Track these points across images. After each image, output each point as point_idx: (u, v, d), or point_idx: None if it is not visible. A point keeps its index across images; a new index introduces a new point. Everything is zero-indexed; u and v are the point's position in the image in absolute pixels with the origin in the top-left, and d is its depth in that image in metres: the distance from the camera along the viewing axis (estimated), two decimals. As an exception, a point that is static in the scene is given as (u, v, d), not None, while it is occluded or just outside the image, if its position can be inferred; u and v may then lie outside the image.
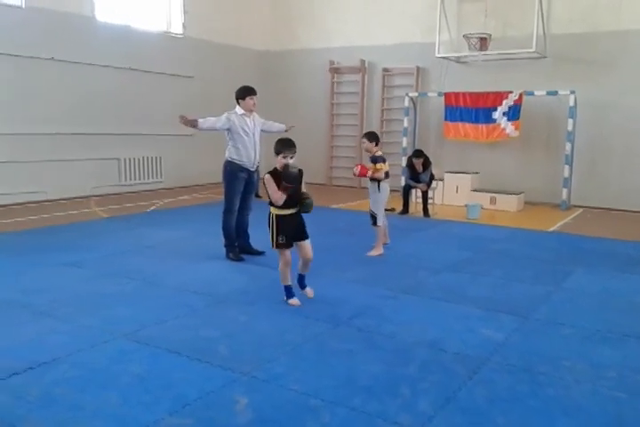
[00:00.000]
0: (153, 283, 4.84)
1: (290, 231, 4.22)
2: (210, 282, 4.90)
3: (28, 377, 3.02)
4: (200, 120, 5.59)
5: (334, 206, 9.53)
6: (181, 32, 11.23)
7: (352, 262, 5.70)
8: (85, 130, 9.48)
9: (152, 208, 8.87)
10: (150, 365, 3.22)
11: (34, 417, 2.63)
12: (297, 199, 4.21)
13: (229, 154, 5.63)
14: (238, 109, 5.64)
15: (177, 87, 11.05)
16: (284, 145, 4.19)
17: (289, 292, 4.36)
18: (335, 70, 12.22)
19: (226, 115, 5.62)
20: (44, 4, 8.75)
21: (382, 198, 6.08)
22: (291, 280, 4.38)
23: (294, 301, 4.31)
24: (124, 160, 10.23)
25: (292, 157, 4.16)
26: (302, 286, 4.53)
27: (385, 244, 6.31)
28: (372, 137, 6.04)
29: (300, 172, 4.20)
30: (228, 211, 5.72)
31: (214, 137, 11.25)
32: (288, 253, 4.31)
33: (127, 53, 10.04)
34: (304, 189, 4.31)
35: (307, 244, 4.33)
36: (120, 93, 9.98)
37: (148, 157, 10.64)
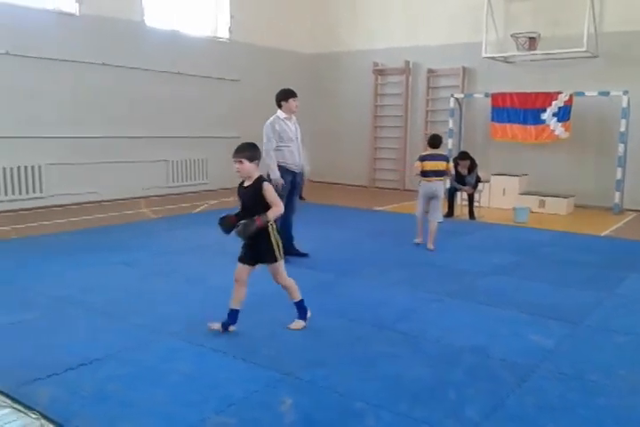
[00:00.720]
0: (200, 282, 4.93)
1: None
2: (254, 283, 4.92)
3: (81, 373, 3.12)
4: (266, 161, 5.32)
5: (377, 208, 9.48)
6: (228, 36, 11.41)
7: (395, 265, 5.66)
8: (136, 133, 9.74)
9: (199, 209, 9.04)
10: (197, 364, 3.28)
11: (87, 412, 2.71)
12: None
13: (276, 157, 5.60)
14: (280, 113, 5.65)
15: (223, 91, 11.23)
16: (234, 150, 3.72)
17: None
18: (379, 72, 12.18)
19: (269, 127, 5.54)
20: (97, 11, 9.05)
21: (419, 194, 6.57)
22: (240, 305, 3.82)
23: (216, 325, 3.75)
24: (172, 162, 10.46)
25: (239, 162, 3.64)
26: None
27: (418, 243, 6.46)
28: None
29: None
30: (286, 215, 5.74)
31: (259, 140, 11.42)
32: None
33: (175, 58, 10.27)
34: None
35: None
36: (168, 97, 10.21)
37: (194, 160, 10.85)
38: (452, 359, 3.40)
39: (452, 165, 6.75)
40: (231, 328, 3.76)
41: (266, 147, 5.47)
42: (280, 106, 5.66)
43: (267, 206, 3.63)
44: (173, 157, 10.46)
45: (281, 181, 5.50)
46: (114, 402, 2.82)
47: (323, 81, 12.94)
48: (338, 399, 2.88)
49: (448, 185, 8.27)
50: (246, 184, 3.71)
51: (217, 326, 3.73)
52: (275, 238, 3.70)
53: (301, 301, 3.90)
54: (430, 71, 11.56)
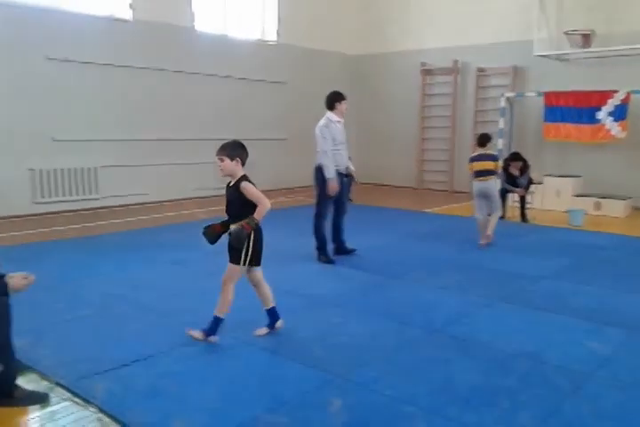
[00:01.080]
0: (247, 282, 4.97)
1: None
2: (302, 283, 4.98)
3: (135, 369, 3.21)
4: (323, 161, 5.50)
5: (426, 210, 9.37)
6: (275, 39, 11.53)
7: (445, 267, 5.58)
8: (186, 135, 9.95)
9: (246, 210, 9.13)
10: (247, 362, 3.32)
11: (141, 407, 2.78)
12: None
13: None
14: (332, 116, 5.64)
15: (270, 93, 11.35)
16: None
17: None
18: (427, 72, 12.05)
19: (324, 129, 5.53)
20: (150, 17, 9.29)
21: (473, 194, 6.70)
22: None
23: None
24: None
25: (220, 160, 3.52)
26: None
27: (482, 244, 6.47)
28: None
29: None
30: (320, 215, 5.78)
31: (306, 142, 11.52)
32: None
33: (223, 62, 10.43)
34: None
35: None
36: (217, 100, 10.39)
37: (242, 161, 10.98)
38: (504, 365, 3.33)
39: (500, 164, 6.83)
40: (279, 324, 3.79)
41: (323, 148, 5.49)
42: (333, 108, 5.64)
43: (249, 205, 3.48)
44: (222, 159, 10.61)
45: (335, 183, 5.52)
46: (166, 398, 2.88)
47: (369, 82, 12.90)
48: (388, 402, 2.86)
49: (499, 186, 8.08)
50: (231, 183, 3.59)
51: (197, 334, 3.57)
52: (247, 243, 3.51)
53: (219, 320, 3.58)
54: (480, 70, 11.35)
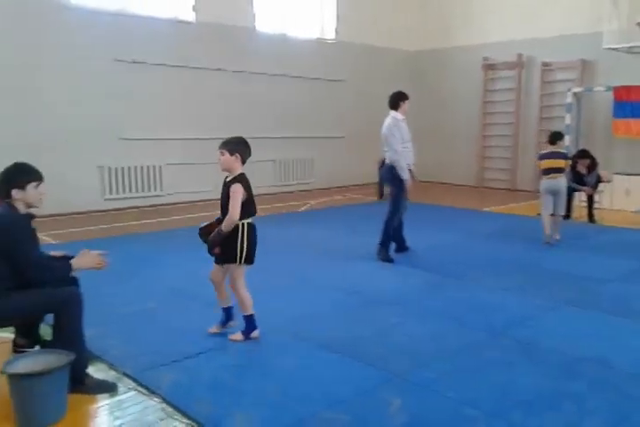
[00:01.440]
0: (305, 280, 5.02)
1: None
2: (360, 281, 4.97)
3: (199, 361, 3.30)
4: (398, 162, 5.52)
5: (486, 209, 9.15)
6: (334, 37, 11.54)
7: (507, 268, 5.43)
8: (245, 134, 9.96)
9: (304, 208, 9.22)
10: (305, 359, 3.35)
11: (204, 399, 2.85)
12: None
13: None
14: (396, 115, 5.66)
15: (329, 91, 11.37)
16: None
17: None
18: (489, 67, 11.76)
19: (394, 128, 5.54)
20: (212, 18, 9.49)
21: (541, 191, 6.59)
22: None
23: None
24: (279, 162, 10.76)
25: (221, 153, 3.52)
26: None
27: (547, 242, 6.39)
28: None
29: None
30: (394, 212, 5.76)
31: (363, 140, 11.50)
32: None
33: (283, 61, 10.54)
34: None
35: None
36: (277, 99, 10.50)
37: (301, 159, 11.09)
38: (570, 369, 3.21)
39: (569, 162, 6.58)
40: (232, 324, 3.71)
41: (395, 147, 5.51)
42: (397, 107, 5.66)
43: (246, 204, 3.43)
44: (281, 157, 10.75)
45: (410, 182, 5.60)
46: (228, 391, 2.94)
47: (429, 78, 12.72)
48: (448, 404, 2.81)
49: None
50: (227, 179, 3.55)
51: (237, 336, 3.57)
52: (241, 241, 3.45)
53: (248, 316, 3.58)
54: (545, 64, 10.97)
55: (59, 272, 2.95)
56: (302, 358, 3.35)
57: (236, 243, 3.45)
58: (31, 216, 3.07)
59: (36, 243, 2.98)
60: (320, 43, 11.36)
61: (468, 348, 3.52)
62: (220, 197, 3.61)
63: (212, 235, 3.44)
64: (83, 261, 3.01)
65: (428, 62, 12.75)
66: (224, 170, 3.56)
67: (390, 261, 5.66)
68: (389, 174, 5.68)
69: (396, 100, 5.66)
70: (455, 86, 12.30)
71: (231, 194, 3.41)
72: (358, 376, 3.12)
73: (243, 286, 3.57)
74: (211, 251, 3.51)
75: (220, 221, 3.51)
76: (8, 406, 2.65)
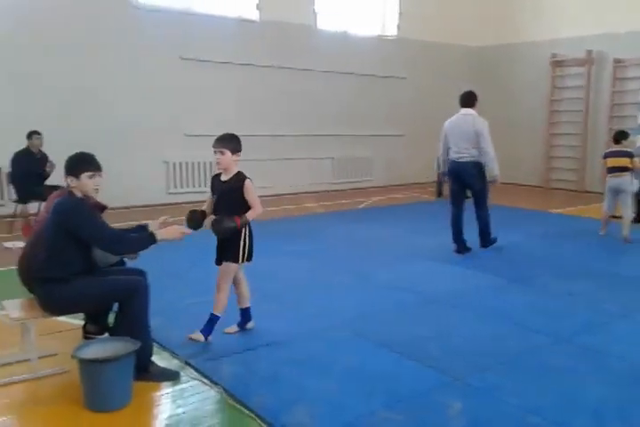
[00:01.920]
0: (365, 277, 5.00)
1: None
2: (420, 281, 4.90)
3: (259, 354, 3.34)
4: (493, 165, 5.74)
5: (552, 211, 8.83)
6: (395, 34, 11.42)
7: (574, 273, 5.22)
8: (305, 131, 10.18)
9: (363, 205, 9.19)
10: (365, 357, 3.33)
11: (263, 392, 2.89)
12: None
13: (477, 156, 5.69)
14: (475, 113, 5.80)
15: (389, 89, 11.27)
16: (215, 140, 3.50)
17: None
18: (557, 63, 11.33)
19: (487, 128, 5.70)
20: (275, 17, 9.59)
21: (605, 189, 6.70)
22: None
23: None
24: (338, 159, 10.77)
25: (221, 153, 3.42)
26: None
27: (602, 235, 6.58)
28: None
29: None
30: (486, 207, 5.94)
31: (424, 138, 11.34)
32: None
33: (344, 58, 10.52)
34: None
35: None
36: (336, 97, 10.50)
37: (359, 157, 11.06)
38: (641, 380, 3.06)
39: (638, 161, 6.51)
40: (250, 325, 3.65)
41: (491, 145, 5.65)
42: (474, 105, 5.80)
43: (243, 204, 3.39)
44: (339, 155, 10.76)
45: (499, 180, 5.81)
46: (287, 385, 2.97)
47: (492, 75, 12.38)
48: (511, 411, 2.73)
49: (636, 187, 7.42)
50: (224, 178, 3.46)
51: (197, 336, 3.46)
52: (244, 240, 3.44)
53: (214, 317, 3.47)
54: (617, 61, 10.47)
55: (139, 243, 3.02)
56: (361, 356, 3.33)
57: (239, 241, 3.43)
58: (102, 207, 3.19)
59: (104, 221, 3.03)
60: (381, 40, 11.28)
61: (531, 352, 3.42)
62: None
63: (219, 220, 3.32)
64: (167, 233, 3.06)
65: (493, 59, 12.42)
66: (223, 169, 3.47)
67: (494, 240, 5.97)
68: (475, 170, 5.70)
69: (475, 99, 5.80)
70: (521, 83, 11.92)
71: (248, 191, 3.40)
72: (417, 377, 3.08)
73: (229, 286, 3.52)
74: (222, 235, 3.38)
75: (204, 212, 3.48)
76: (78, 389, 2.77)
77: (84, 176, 2.96)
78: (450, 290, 4.65)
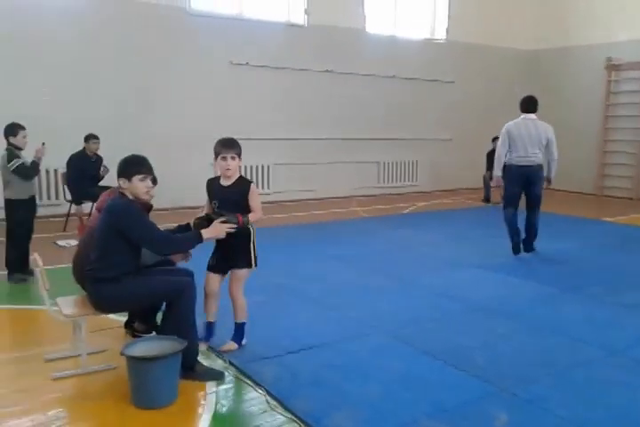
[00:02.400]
0: (410, 283, 4.95)
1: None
2: (465, 288, 4.81)
3: (301, 357, 3.34)
4: (496, 172, 5.95)
5: (606, 219, 8.52)
6: (444, 37, 11.30)
7: (629, 284, 5.03)
8: (350, 135, 10.18)
9: (408, 210, 9.11)
10: (408, 363, 3.29)
11: (304, 395, 2.89)
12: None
13: (542, 161, 5.96)
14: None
15: (437, 93, 11.15)
16: (223, 144, 3.36)
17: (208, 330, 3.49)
18: (613, 67, 10.95)
19: (505, 128, 5.89)
20: (323, 21, 9.64)
21: None
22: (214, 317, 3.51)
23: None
24: (384, 164, 10.72)
25: (232, 158, 3.33)
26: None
27: None
28: None
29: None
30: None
31: (472, 142, 11.16)
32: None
33: (391, 62, 10.47)
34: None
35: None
36: (383, 101, 10.45)
37: (405, 161, 10.98)
38: (702, 398, 2.91)
39: None
40: (205, 345, 3.42)
41: (499, 155, 5.89)
42: (536, 110, 5.95)
43: (246, 209, 3.31)
44: (385, 159, 10.71)
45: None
46: (329, 389, 2.96)
47: (544, 79, 12.06)
48: (560, 424, 2.65)
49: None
50: (226, 183, 3.37)
51: (231, 346, 3.40)
52: (254, 244, 3.39)
53: (243, 324, 3.45)
54: (679, 64, 10.06)
55: (187, 243, 3.08)
56: (405, 363, 3.29)
57: (249, 247, 3.38)
58: (148, 207, 3.27)
59: (153, 223, 3.08)
60: (429, 43, 11.17)
61: (581, 365, 3.30)
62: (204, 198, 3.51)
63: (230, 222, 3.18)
64: (213, 231, 3.11)
65: (545, 62, 12.11)
66: (230, 174, 3.37)
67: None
68: (542, 175, 5.97)
69: (537, 104, 5.93)
70: (574, 88, 11.58)
71: (253, 195, 3.36)
72: (462, 386, 3.01)
73: (242, 290, 3.45)
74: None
75: (208, 218, 3.26)
76: (126, 386, 2.84)
77: (136, 179, 3.03)
78: (497, 298, 4.55)
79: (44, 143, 4.90)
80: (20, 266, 4.82)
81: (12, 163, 4.69)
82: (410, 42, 10.85)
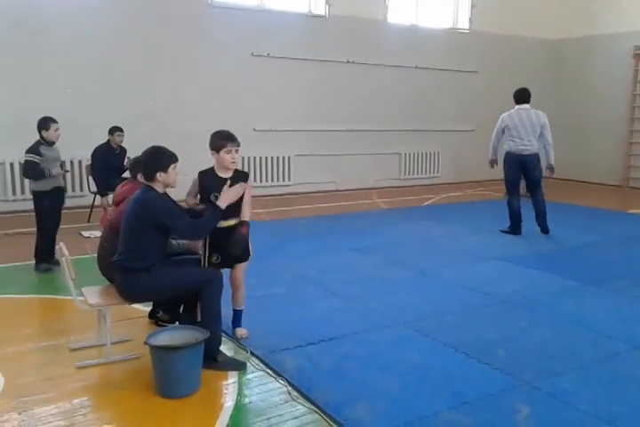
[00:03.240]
0: (430, 275, 4.93)
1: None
2: (487, 281, 4.78)
3: (321, 348, 3.36)
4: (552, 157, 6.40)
5: (632, 211, 8.37)
6: (467, 27, 11.13)
7: (654, 276, 4.94)
8: (371, 126, 10.12)
9: (429, 202, 9.05)
10: (428, 355, 3.29)
11: (326, 386, 2.90)
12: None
13: (537, 148, 6.33)
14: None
15: (460, 83, 11.00)
16: (228, 137, 3.33)
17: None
18: (641, 56, 10.71)
19: (547, 121, 6.34)
20: (344, 12, 9.56)
21: None
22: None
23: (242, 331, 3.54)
24: (405, 155, 10.64)
25: (236, 151, 3.30)
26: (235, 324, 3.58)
27: None
28: None
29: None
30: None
31: (491, 133, 10.99)
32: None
33: (413, 52, 10.36)
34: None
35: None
36: (404, 91, 10.36)
37: (426, 153, 10.88)
38: None
39: None
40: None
41: (493, 141, 6.62)
42: (529, 101, 6.40)
43: (240, 202, 3.27)
44: (406, 150, 10.63)
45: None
46: (350, 380, 2.97)
47: (569, 68, 11.85)
48: (583, 418, 2.62)
49: None
50: (224, 175, 3.30)
51: (243, 332, 3.51)
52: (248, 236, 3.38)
53: (241, 311, 3.53)
54: None
55: (211, 221, 3.10)
56: (426, 355, 3.29)
57: (248, 240, 3.40)
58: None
59: (182, 211, 3.15)
60: (452, 33, 11.02)
61: (605, 359, 3.26)
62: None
63: (241, 236, 3.27)
64: (228, 197, 3.13)
65: (570, 51, 11.87)
66: (234, 167, 3.35)
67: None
68: (538, 162, 6.34)
69: (530, 95, 6.32)
70: (600, 77, 11.33)
71: (249, 192, 3.36)
72: (484, 379, 3.00)
73: None
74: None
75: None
76: (149, 375, 2.89)
77: (171, 168, 3.08)
78: (519, 291, 4.51)
79: (67, 170, 4.85)
80: (46, 256, 4.91)
81: (26, 156, 4.75)
82: (432, 31, 10.71)
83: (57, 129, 4.86)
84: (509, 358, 3.25)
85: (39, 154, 4.77)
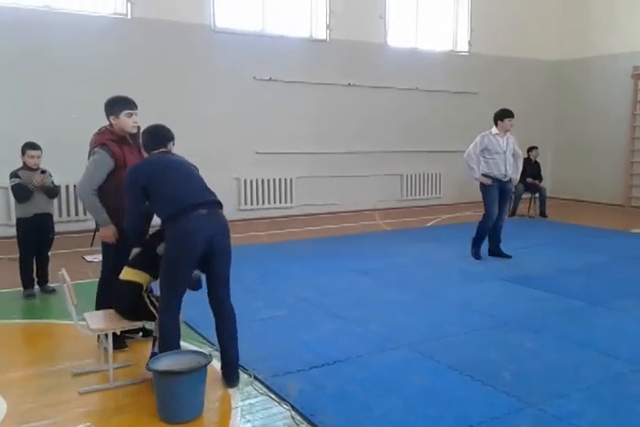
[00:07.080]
0: (433, 297, 4.90)
1: None
2: (491, 302, 4.75)
3: (324, 371, 3.33)
4: (472, 166, 6.37)
5: (635, 231, 8.36)
6: (467, 49, 11.29)
7: (658, 296, 4.91)
8: (373, 148, 10.19)
9: (431, 223, 9.05)
10: (432, 378, 3.26)
11: (329, 410, 2.88)
12: None
13: (482, 168, 6.33)
14: (494, 130, 6.32)
15: (460, 104, 11.11)
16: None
17: None
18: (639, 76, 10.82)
19: (479, 138, 6.34)
20: (346, 36, 9.71)
21: None
22: None
23: None
24: (406, 176, 10.69)
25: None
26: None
27: None
28: None
29: None
30: (486, 215, 6.42)
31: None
32: None
33: (413, 74, 10.48)
34: None
35: None
36: (405, 113, 10.46)
37: (428, 174, 10.93)
38: None
39: None
40: None
41: (470, 154, 6.37)
42: (496, 124, 6.32)
43: None
44: (408, 171, 10.68)
45: (484, 181, 6.32)
46: (353, 403, 2.94)
47: (568, 89, 11.97)
48: (590, 441, 2.59)
49: None
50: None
51: None
52: None
53: None
54: None
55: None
56: (430, 377, 3.26)
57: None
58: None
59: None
60: (452, 55, 11.17)
61: (612, 380, 3.23)
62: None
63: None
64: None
65: (570, 72, 12.01)
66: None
67: (479, 258, 6.32)
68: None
69: (496, 118, 6.33)
70: (600, 97, 11.44)
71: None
72: (489, 402, 2.97)
73: None
74: None
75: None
76: (152, 400, 2.87)
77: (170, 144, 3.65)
78: (523, 312, 4.48)
79: (44, 171, 4.86)
80: (28, 282, 4.89)
81: (10, 182, 4.78)
82: (432, 54, 10.86)
83: (33, 156, 4.83)
84: (514, 381, 3.22)
85: (18, 177, 4.79)
